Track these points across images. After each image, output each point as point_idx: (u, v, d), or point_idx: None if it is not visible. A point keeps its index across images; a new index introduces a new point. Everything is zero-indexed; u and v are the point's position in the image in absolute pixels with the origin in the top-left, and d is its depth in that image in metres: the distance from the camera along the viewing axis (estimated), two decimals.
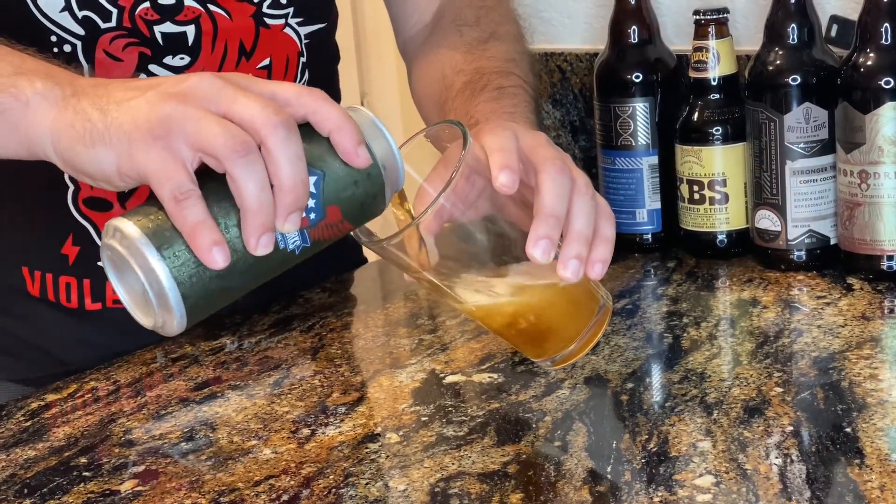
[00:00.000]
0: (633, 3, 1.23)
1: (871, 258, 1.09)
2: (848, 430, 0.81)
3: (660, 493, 0.74)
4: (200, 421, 0.91)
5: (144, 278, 0.73)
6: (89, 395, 0.98)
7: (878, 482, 0.73)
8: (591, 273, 0.83)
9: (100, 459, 0.86)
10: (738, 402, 0.86)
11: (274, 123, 0.72)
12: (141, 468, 0.84)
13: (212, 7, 1.03)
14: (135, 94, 0.75)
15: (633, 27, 1.23)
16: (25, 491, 0.82)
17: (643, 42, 1.23)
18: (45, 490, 0.82)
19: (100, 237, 1.06)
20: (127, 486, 0.82)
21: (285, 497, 0.78)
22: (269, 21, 1.07)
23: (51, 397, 0.98)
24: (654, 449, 0.80)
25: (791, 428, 0.82)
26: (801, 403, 0.86)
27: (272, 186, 0.73)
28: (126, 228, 0.73)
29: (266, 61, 1.07)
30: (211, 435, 0.88)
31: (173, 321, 0.74)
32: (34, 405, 0.97)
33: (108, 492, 0.81)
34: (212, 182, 0.74)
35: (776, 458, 0.78)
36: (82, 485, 0.82)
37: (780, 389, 0.88)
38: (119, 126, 0.74)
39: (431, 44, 1.13)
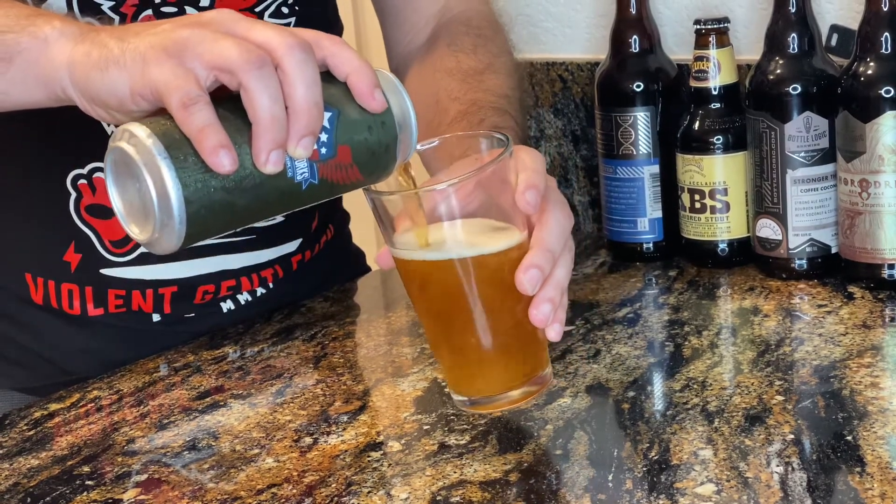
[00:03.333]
0: (633, 12, 1.23)
1: (872, 267, 1.10)
2: (849, 438, 0.81)
3: (661, 502, 0.74)
4: (203, 430, 0.91)
5: (149, 177, 0.71)
6: (92, 404, 0.99)
7: (878, 490, 0.74)
8: (550, 332, 0.82)
9: (102, 468, 0.86)
10: (740, 411, 0.86)
11: (290, 45, 0.72)
12: (143, 477, 0.84)
13: None
14: (152, 27, 0.75)
15: (634, 37, 1.23)
16: (29, 500, 0.82)
17: (644, 51, 1.24)
18: (48, 499, 0.82)
19: (101, 245, 1.06)
20: (129, 495, 0.82)
21: None
22: None
23: (54, 406, 0.98)
24: (656, 457, 0.80)
25: (792, 436, 0.82)
26: (802, 412, 0.86)
27: (286, 109, 0.72)
28: (137, 130, 0.72)
29: None
30: (213, 444, 0.89)
31: (171, 232, 0.71)
32: (37, 414, 0.97)
33: (110, 501, 0.81)
34: (225, 105, 0.73)
35: (777, 466, 0.78)
36: (85, 494, 0.82)
37: (781, 398, 0.88)
38: (135, 49, 0.74)
39: (427, 66, 1.13)
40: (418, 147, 0.85)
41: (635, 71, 1.23)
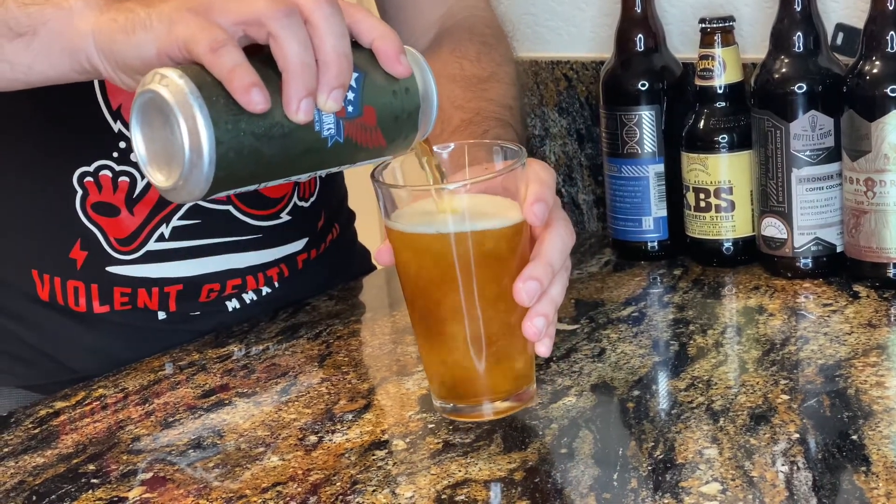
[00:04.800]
0: (639, 11, 1.23)
1: (878, 266, 1.09)
2: (854, 437, 0.81)
3: (666, 501, 0.74)
4: (208, 428, 0.91)
5: (181, 116, 0.70)
6: (97, 402, 0.99)
7: (884, 489, 0.73)
8: (540, 347, 0.82)
9: (108, 467, 0.86)
10: (745, 410, 0.86)
11: (319, 1, 0.73)
12: (149, 475, 0.84)
13: None
14: None
15: (639, 35, 1.23)
16: (34, 498, 0.82)
17: (649, 50, 1.23)
18: (53, 497, 0.82)
19: (107, 243, 1.06)
20: (135, 494, 0.82)
21: None
22: None
23: (59, 405, 0.98)
24: (661, 456, 0.80)
25: (797, 435, 0.82)
26: (807, 411, 0.86)
27: (316, 62, 0.72)
28: (168, 72, 0.72)
29: None
30: (218, 442, 0.89)
31: (200, 171, 0.71)
32: (42, 412, 0.97)
33: (115, 499, 0.81)
34: (254, 60, 0.73)
35: (782, 465, 0.78)
36: (90, 492, 0.82)
37: (786, 397, 0.88)
38: (160, 12, 0.74)
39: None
40: (435, 148, 0.85)
41: (640, 70, 1.23)
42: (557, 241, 0.82)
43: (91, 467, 0.86)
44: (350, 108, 0.75)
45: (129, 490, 0.82)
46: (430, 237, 0.81)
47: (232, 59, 0.71)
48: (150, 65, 0.74)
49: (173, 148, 0.71)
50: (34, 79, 0.83)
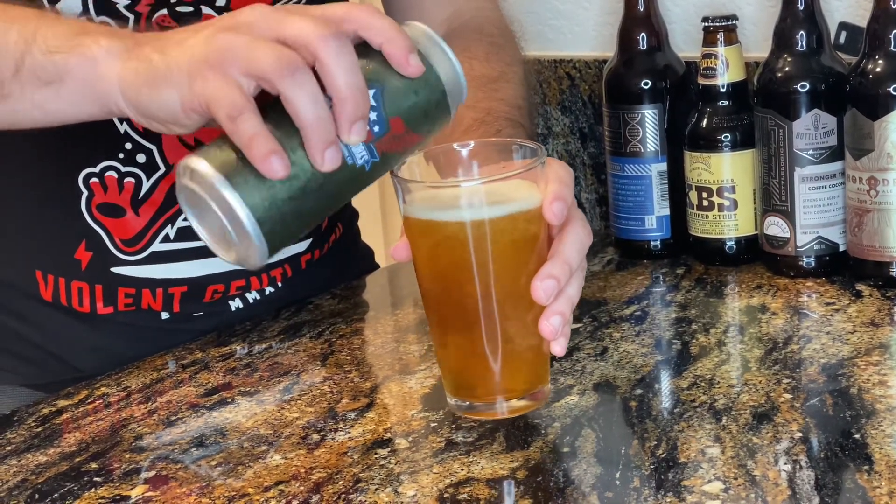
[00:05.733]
0: (641, 10, 1.23)
1: (880, 265, 1.09)
2: (857, 436, 0.81)
3: (668, 499, 0.74)
4: (211, 427, 0.91)
5: (218, 209, 0.73)
6: (100, 400, 0.99)
7: (886, 489, 0.73)
8: (556, 346, 0.82)
9: (110, 465, 0.86)
10: (747, 409, 0.86)
11: (324, 37, 0.73)
12: (151, 474, 0.84)
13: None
14: (191, 35, 0.77)
15: (642, 34, 1.23)
16: (37, 496, 0.82)
17: (652, 49, 1.23)
18: (55, 495, 0.82)
19: (112, 243, 1.07)
20: (137, 492, 0.82)
21: (295, 502, 0.78)
22: None
23: (62, 403, 0.98)
24: (663, 455, 0.80)
25: (800, 434, 0.82)
26: (809, 410, 0.86)
27: (331, 100, 0.73)
28: (196, 165, 0.73)
29: None
30: (221, 441, 0.89)
31: (255, 250, 0.74)
32: (45, 411, 0.97)
33: (118, 497, 0.81)
34: (274, 111, 0.74)
35: (785, 464, 0.78)
36: (93, 490, 0.83)
37: (788, 396, 0.88)
38: (178, 64, 0.76)
39: None
40: (454, 146, 0.86)
41: (643, 68, 1.23)
42: (575, 239, 0.82)
43: (94, 465, 0.86)
44: (376, 129, 0.76)
45: (131, 488, 0.82)
46: (446, 225, 0.81)
47: (249, 127, 0.72)
48: (177, 117, 0.76)
49: (223, 232, 0.74)
50: (68, 120, 0.85)
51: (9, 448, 0.91)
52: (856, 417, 0.84)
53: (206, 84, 0.74)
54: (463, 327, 0.82)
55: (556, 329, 0.81)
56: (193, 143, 1.04)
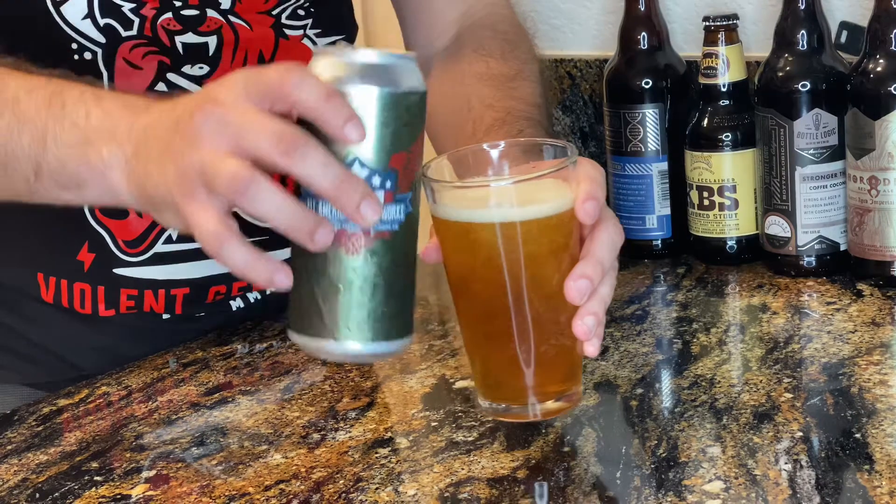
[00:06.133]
0: (642, 9, 1.23)
1: (881, 264, 1.09)
2: (857, 435, 0.81)
3: (669, 499, 0.74)
4: (211, 426, 0.91)
5: (339, 354, 0.75)
6: (101, 399, 0.99)
7: (887, 488, 0.73)
8: (589, 347, 0.81)
9: (111, 464, 0.86)
10: (748, 408, 0.86)
11: (284, 151, 0.72)
12: (152, 473, 0.84)
13: (233, 19, 1.04)
14: (166, 152, 0.76)
15: (643, 33, 1.23)
16: (37, 495, 0.82)
17: (653, 48, 1.23)
18: (56, 494, 0.82)
19: (115, 245, 1.06)
20: (138, 491, 0.82)
21: (296, 502, 0.78)
22: (288, 32, 1.07)
23: (63, 402, 0.98)
24: (664, 454, 0.80)
25: (800, 434, 0.82)
26: (810, 409, 0.86)
27: (318, 197, 0.73)
28: (292, 338, 0.76)
29: None
30: (222, 440, 0.89)
31: (387, 347, 0.75)
32: (46, 410, 0.97)
33: (119, 496, 0.81)
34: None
35: (786, 463, 0.78)
36: (94, 489, 0.83)
37: (789, 395, 0.88)
38: (162, 194, 0.77)
39: (455, 70, 1.11)
40: (484, 146, 0.85)
41: (644, 68, 1.23)
42: (607, 239, 0.81)
43: (94, 465, 0.86)
44: (388, 184, 0.73)
45: (132, 487, 0.82)
46: (480, 226, 0.80)
47: (238, 259, 0.74)
48: (186, 231, 0.76)
49: (355, 359, 0.78)
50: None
51: (9, 447, 0.91)
52: (856, 417, 0.84)
53: (190, 211, 0.74)
54: (495, 329, 0.81)
55: (589, 329, 0.79)
56: None
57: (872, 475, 0.75)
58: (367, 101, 0.72)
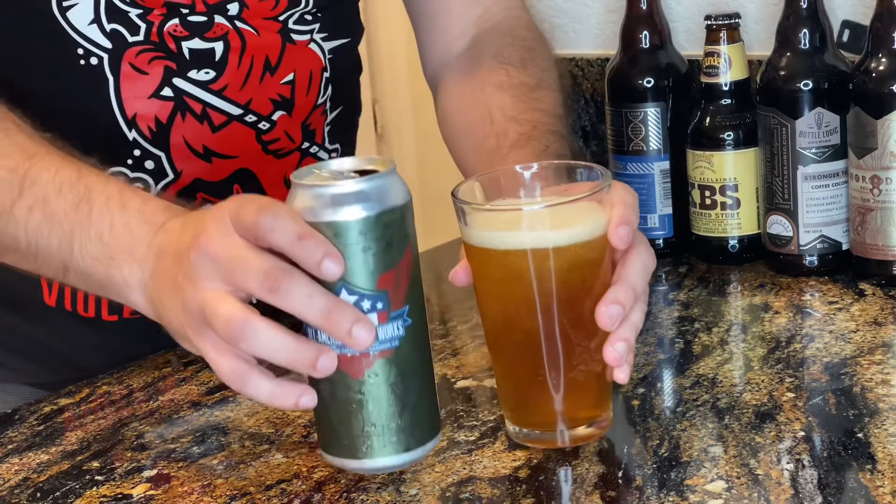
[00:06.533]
0: (644, 8, 1.23)
1: (884, 263, 1.09)
2: (860, 435, 0.81)
3: (671, 498, 0.74)
4: (212, 425, 0.91)
5: (362, 471, 0.79)
6: (102, 399, 0.99)
7: (889, 488, 0.73)
8: (619, 374, 0.80)
9: (112, 463, 0.86)
10: (750, 408, 0.86)
11: (269, 288, 0.73)
12: (153, 472, 0.84)
13: (240, 24, 1.04)
14: (175, 288, 0.78)
15: (645, 32, 1.23)
16: (38, 495, 0.82)
17: (655, 47, 1.23)
18: (57, 494, 0.82)
19: None
20: (139, 490, 0.82)
21: (297, 501, 0.78)
22: (295, 37, 1.07)
23: (64, 401, 0.98)
24: (666, 454, 0.80)
25: (803, 433, 0.82)
26: (812, 409, 0.86)
27: (307, 329, 0.75)
28: (322, 455, 0.79)
29: (290, 76, 1.07)
30: (223, 439, 0.89)
31: (407, 458, 0.77)
32: (47, 409, 0.97)
33: (120, 496, 0.81)
34: None
35: (788, 463, 0.78)
36: (95, 489, 0.83)
37: (791, 395, 0.88)
38: (175, 327, 0.80)
39: (474, 79, 1.10)
40: (516, 168, 0.84)
41: (646, 67, 1.22)
42: (640, 264, 0.81)
43: (95, 464, 0.86)
44: (379, 304, 0.73)
45: (133, 487, 0.82)
46: (512, 253, 0.79)
47: (263, 392, 0.76)
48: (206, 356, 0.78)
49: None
50: None
51: (10, 447, 0.90)
52: (858, 416, 0.84)
53: (205, 352, 0.77)
54: (524, 354, 0.80)
55: (621, 356, 0.78)
56: (202, 151, 1.05)
57: (875, 475, 0.75)
58: (344, 230, 0.72)
